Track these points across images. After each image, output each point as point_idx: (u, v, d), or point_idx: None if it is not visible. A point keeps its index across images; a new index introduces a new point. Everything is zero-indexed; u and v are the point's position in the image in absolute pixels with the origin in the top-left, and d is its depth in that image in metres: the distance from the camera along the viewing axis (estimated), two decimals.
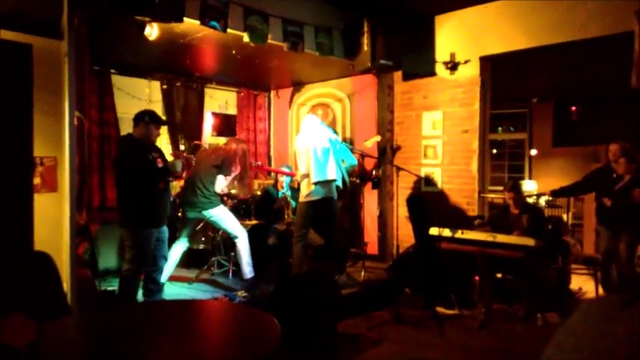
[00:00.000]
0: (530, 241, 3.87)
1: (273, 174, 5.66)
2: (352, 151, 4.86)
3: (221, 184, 4.35)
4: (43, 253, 2.37)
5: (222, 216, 4.34)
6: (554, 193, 4.82)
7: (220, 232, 4.84)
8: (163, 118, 4.05)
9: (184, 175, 3.92)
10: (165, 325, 1.92)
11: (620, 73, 4.22)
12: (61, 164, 3.82)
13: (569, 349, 0.53)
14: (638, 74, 4.03)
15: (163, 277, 4.06)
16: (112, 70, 5.32)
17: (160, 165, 3.64)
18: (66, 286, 3.50)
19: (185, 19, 3.69)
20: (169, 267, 4.24)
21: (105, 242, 4.95)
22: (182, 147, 5.62)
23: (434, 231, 4.30)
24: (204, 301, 3.75)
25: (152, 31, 3.90)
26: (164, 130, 4.90)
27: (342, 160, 4.60)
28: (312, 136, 4.45)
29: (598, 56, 5.38)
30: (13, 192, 3.28)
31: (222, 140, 6.02)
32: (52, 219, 3.85)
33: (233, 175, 4.47)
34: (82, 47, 4.10)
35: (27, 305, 1.90)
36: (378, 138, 5.46)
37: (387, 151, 5.58)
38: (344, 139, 5.78)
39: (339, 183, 4.54)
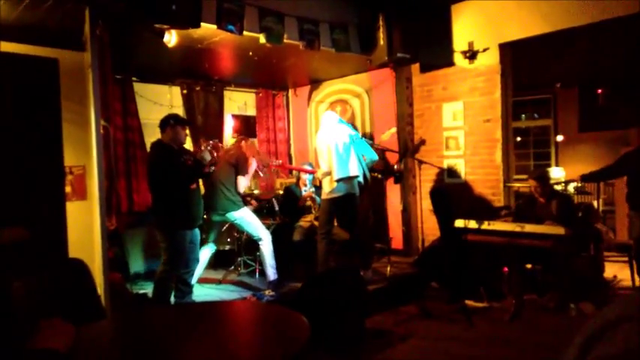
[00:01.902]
0: (559, 230, 3.79)
1: (294, 172, 5.69)
2: (372, 146, 4.84)
3: (243, 183, 4.39)
4: (78, 260, 2.45)
5: (247, 218, 4.38)
6: (585, 178, 4.69)
7: (245, 232, 4.90)
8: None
9: (216, 159, 3.97)
10: (196, 326, 1.97)
11: None
12: (90, 172, 3.94)
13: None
14: None
15: (194, 279, 4.14)
16: (134, 78, 5.46)
17: (190, 164, 3.75)
18: (99, 290, 3.62)
19: (202, 24, 3.75)
20: (199, 269, 4.32)
21: (134, 246, 5.08)
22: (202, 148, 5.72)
23: (459, 223, 4.25)
24: (234, 301, 3.81)
25: (171, 38, 3.97)
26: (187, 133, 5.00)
27: (363, 156, 4.59)
28: (333, 133, 4.46)
29: (622, 37, 5.19)
30: (47, 201, 3.40)
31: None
32: (83, 226, 3.98)
33: (252, 170, 4.48)
34: (105, 57, 4.20)
35: (65, 310, 1.98)
36: (394, 130, 5.43)
37: (407, 144, 5.54)
38: (364, 135, 5.76)
39: (361, 179, 4.54)
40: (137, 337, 1.94)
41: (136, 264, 5.07)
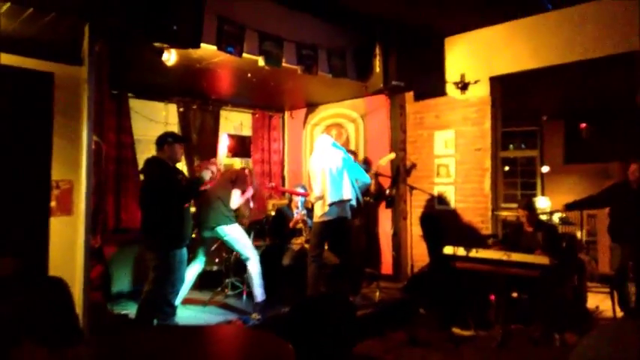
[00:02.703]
0: (544, 260, 3.85)
1: (287, 194, 5.70)
2: (366, 170, 4.89)
3: (236, 200, 4.40)
4: (58, 278, 2.38)
5: (236, 236, 4.37)
6: (569, 207, 4.83)
7: (234, 253, 4.86)
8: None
9: (213, 178, 3.97)
10: (178, 351, 1.93)
11: (627, 90, 4.27)
12: (77, 188, 3.86)
13: None
14: None
15: (178, 300, 4.07)
16: (130, 94, 5.44)
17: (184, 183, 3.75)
18: (78, 310, 3.52)
19: (202, 44, 3.79)
20: (184, 289, 4.26)
21: (119, 265, 4.97)
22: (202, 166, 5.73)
23: (448, 250, 4.29)
24: (218, 326, 3.75)
25: (170, 57, 4.00)
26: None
27: (356, 180, 4.63)
28: (326, 157, 4.49)
29: (606, 74, 5.42)
30: (30, 216, 3.33)
31: (236, 160, 6.10)
32: (67, 243, 3.87)
33: (248, 194, 4.54)
34: (102, 73, 4.21)
35: (39, 332, 1.90)
36: (393, 156, 5.49)
37: (400, 170, 5.61)
38: (364, 160, 5.84)
39: (354, 203, 4.57)
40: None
41: (120, 283, 4.96)
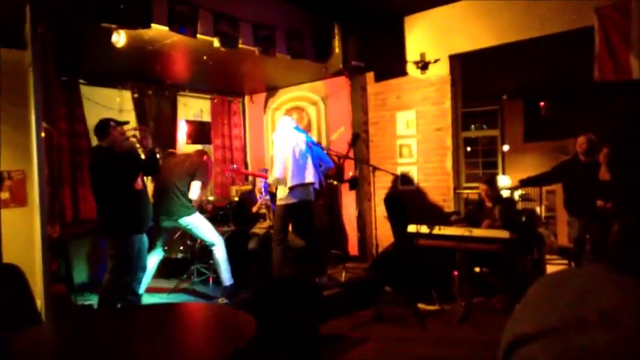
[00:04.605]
0: (504, 234, 3.95)
1: (250, 179, 5.63)
2: (328, 153, 4.87)
3: (196, 191, 4.32)
4: (12, 265, 2.30)
5: (198, 224, 4.30)
6: (523, 183, 4.98)
7: (199, 240, 4.79)
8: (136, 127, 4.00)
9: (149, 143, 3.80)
10: (142, 328, 1.90)
11: (584, 68, 4.36)
12: (30, 177, 3.72)
13: (524, 319, 0.51)
14: (599, 68, 4.18)
15: (141, 289, 3.99)
16: (81, 81, 5.22)
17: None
18: (40, 302, 3.40)
19: (153, 25, 3.65)
20: (147, 278, 4.17)
21: (80, 256, 4.84)
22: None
23: (412, 228, 4.34)
24: (180, 304, 3.70)
25: (119, 39, 3.85)
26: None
27: (319, 162, 4.61)
28: (290, 139, 4.46)
29: (563, 52, 5.55)
30: None
31: (197, 147, 5.96)
32: (23, 234, 3.74)
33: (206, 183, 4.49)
34: (48, 56, 4.00)
35: None
36: (342, 129, 5.50)
37: (362, 151, 5.61)
38: (327, 146, 5.81)
39: (317, 186, 4.56)
40: (78, 340, 1.84)
41: (81, 275, 4.82)
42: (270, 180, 4.56)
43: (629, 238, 0.51)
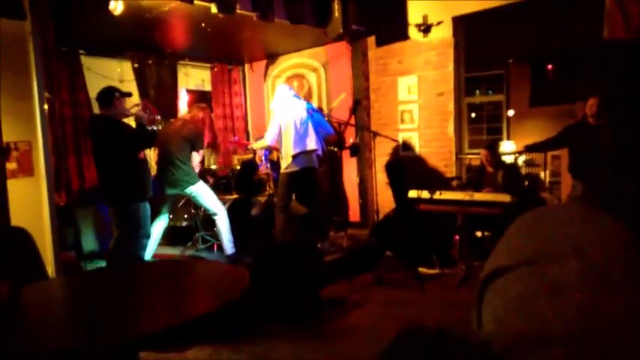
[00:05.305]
0: (505, 198, 3.96)
1: (250, 148, 5.65)
2: (329, 120, 4.87)
3: (196, 159, 4.36)
4: (19, 227, 2.39)
5: (202, 192, 4.36)
6: (528, 148, 4.93)
7: (202, 208, 4.87)
8: (137, 96, 4.03)
9: (154, 118, 3.86)
10: (138, 282, 2.00)
11: (591, 29, 4.24)
12: (36, 147, 3.78)
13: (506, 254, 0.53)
14: (610, 25, 4.05)
15: (147, 255, 4.09)
16: (81, 51, 5.22)
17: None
18: (50, 269, 3.53)
19: None
20: (152, 244, 4.27)
21: (88, 224, 4.94)
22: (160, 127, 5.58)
23: (413, 193, 4.37)
24: (176, 260, 3.81)
25: (117, 5, 3.82)
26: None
27: (320, 129, 4.62)
28: (290, 108, 4.46)
29: (570, 13, 5.38)
30: None
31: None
32: (32, 203, 3.83)
33: (206, 144, 4.48)
34: (47, 26, 3.99)
35: (4, 272, 1.97)
36: (343, 96, 5.47)
37: (364, 118, 5.59)
38: (328, 112, 5.79)
39: (320, 152, 4.59)
40: (82, 292, 1.94)
41: (90, 242, 4.94)
42: (258, 145, 4.61)
43: (601, 179, 0.54)
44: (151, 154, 4.89)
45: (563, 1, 4.68)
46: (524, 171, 6.08)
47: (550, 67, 7.92)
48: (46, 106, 3.71)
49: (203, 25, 4.60)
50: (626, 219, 0.47)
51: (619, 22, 3.99)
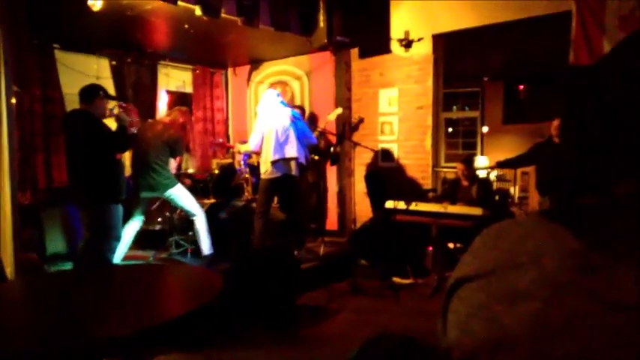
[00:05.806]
0: (478, 211, 4.06)
1: (230, 152, 5.61)
2: (312, 129, 4.89)
3: (172, 164, 4.32)
4: None
5: (180, 194, 4.29)
6: (500, 164, 5.10)
7: (178, 211, 4.78)
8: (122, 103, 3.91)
9: (136, 121, 3.78)
10: (109, 286, 1.93)
11: (562, 51, 4.44)
12: (0, 142, 3.61)
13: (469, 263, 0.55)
14: (575, 53, 4.27)
15: (117, 258, 3.97)
16: (56, 45, 5.04)
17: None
18: (9, 270, 3.36)
19: None
20: (123, 247, 4.15)
21: (54, 225, 4.75)
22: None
23: (389, 204, 4.42)
24: (150, 264, 3.71)
25: (96, 1, 3.73)
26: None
27: (304, 139, 4.64)
28: (275, 115, 4.48)
29: (542, 36, 5.62)
30: None
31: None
32: None
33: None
34: (19, 16, 3.86)
35: None
36: (340, 110, 5.51)
37: (345, 128, 5.64)
38: (310, 115, 5.81)
39: (302, 160, 4.60)
40: (44, 294, 1.86)
41: (55, 244, 4.75)
42: (241, 148, 4.60)
43: (559, 192, 0.57)
44: (125, 154, 4.76)
45: (537, 26, 4.88)
46: (495, 186, 6.25)
47: (522, 87, 8.21)
48: (13, 100, 3.56)
49: (186, 26, 4.55)
50: (580, 229, 0.50)
51: (584, 50, 4.21)
